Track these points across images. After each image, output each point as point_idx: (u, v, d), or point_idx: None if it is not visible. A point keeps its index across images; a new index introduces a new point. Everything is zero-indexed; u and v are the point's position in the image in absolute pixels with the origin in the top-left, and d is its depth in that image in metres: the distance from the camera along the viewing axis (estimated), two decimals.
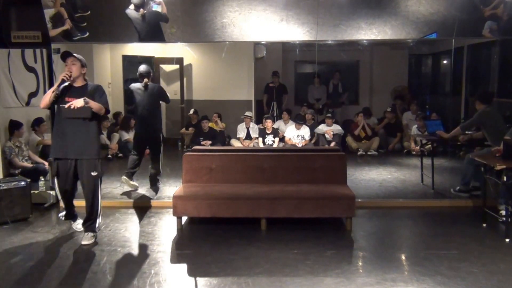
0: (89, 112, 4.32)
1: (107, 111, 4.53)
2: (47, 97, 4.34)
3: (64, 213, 4.81)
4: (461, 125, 5.98)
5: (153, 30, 5.92)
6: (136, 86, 6.24)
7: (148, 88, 6.17)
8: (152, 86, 6.24)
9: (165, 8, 5.81)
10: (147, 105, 6.16)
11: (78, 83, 4.45)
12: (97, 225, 4.62)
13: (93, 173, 4.46)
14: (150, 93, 6.18)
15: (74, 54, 4.44)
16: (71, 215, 4.84)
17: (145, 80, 6.15)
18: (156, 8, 5.80)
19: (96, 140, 4.52)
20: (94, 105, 4.31)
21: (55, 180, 4.64)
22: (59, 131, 4.44)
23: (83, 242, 4.49)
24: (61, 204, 4.83)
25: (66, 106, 4.25)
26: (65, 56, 4.41)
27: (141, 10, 5.77)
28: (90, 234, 4.56)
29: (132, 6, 5.82)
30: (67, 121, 4.35)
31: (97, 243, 4.51)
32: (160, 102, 6.41)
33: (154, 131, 6.29)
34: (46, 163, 6.17)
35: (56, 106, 4.43)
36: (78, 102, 4.22)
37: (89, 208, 4.56)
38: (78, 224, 4.82)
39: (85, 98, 4.26)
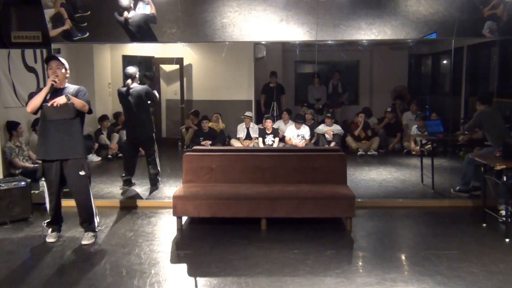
0: (72, 111, 4.31)
1: (90, 110, 4.51)
2: (37, 101, 4.30)
3: (49, 220, 4.67)
4: (465, 128, 5.99)
5: (141, 32, 5.85)
6: (123, 89, 6.20)
7: (132, 90, 6.09)
8: (138, 88, 6.13)
9: (154, 8, 5.78)
10: (134, 107, 6.09)
11: (61, 85, 4.46)
12: (96, 224, 4.63)
13: (81, 173, 4.43)
14: (136, 95, 6.08)
15: (59, 58, 4.47)
16: (55, 223, 4.67)
17: (128, 81, 6.09)
18: (144, 8, 5.74)
19: (80, 139, 4.47)
20: (77, 101, 4.30)
21: (44, 183, 4.62)
22: (43, 132, 4.41)
23: (83, 242, 4.49)
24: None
25: (49, 104, 4.23)
26: (50, 59, 4.44)
27: (125, 13, 5.71)
28: (90, 234, 4.57)
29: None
30: (50, 122, 4.33)
31: (97, 243, 4.52)
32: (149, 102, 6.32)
33: (144, 132, 6.22)
34: None
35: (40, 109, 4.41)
36: (61, 99, 4.21)
37: (82, 209, 4.55)
38: (52, 238, 4.59)
39: (66, 94, 4.26)
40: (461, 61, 8.03)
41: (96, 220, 4.64)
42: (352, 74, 10.74)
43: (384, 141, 9.00)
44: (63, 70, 4.44)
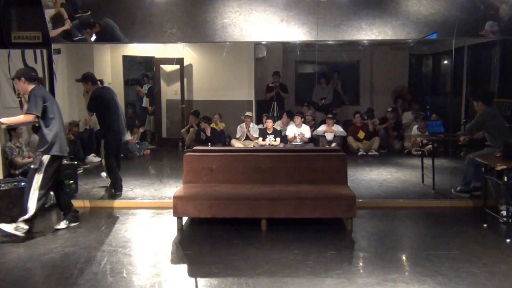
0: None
1: (36, 116, 4.59)
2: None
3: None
4: (466, 129, 5.98)
5: None
6: None
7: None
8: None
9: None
10: None
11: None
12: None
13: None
14: None
15: (13, 75, 4.80)
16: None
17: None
18: None
19: (42, 138, 4.74)
20: (7, 121, 4.66)
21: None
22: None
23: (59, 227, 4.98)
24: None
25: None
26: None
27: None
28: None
29: None
30: None
31: (97, 244, 4.51)
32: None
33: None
34: None
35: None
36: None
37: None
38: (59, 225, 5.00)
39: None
40: (461, 61, 8.01)
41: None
42: (353, 74, 10.72)
43: (384, 141, 9.00)
44: (20, 82, 4.64)
